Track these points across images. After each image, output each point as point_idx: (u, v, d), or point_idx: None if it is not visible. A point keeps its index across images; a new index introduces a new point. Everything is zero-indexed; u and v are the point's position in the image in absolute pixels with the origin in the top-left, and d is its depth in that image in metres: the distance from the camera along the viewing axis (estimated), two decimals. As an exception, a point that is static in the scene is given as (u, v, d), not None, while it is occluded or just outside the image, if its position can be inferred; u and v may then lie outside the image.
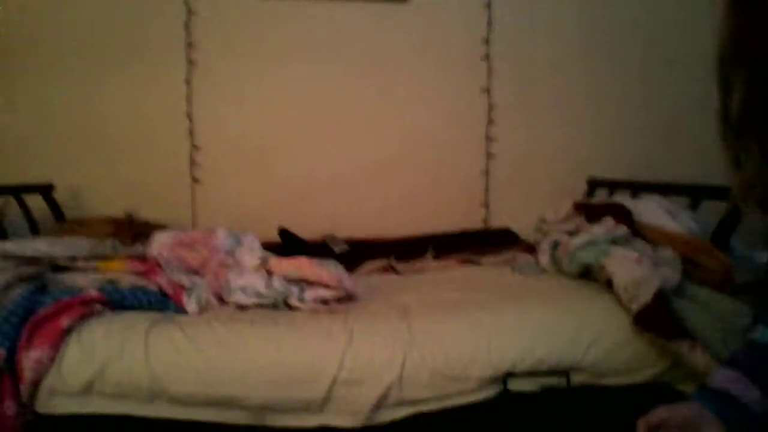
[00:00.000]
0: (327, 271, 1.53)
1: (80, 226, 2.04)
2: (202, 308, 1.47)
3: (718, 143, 0.60)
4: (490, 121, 2.58)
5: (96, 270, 1.54)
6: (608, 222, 1.74)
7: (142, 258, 1.61)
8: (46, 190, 2.20)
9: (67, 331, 1.27)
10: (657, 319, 1.30)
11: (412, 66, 2.54)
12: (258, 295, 1.50)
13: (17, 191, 2.04)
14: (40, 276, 1.47)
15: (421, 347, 1.30)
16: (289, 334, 1.32)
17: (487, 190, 2.62)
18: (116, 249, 1.75)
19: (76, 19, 2.36)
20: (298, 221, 2.36)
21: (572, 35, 2.59)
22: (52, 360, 1.23)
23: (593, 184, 2.46)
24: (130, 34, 2.39)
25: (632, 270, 1.41)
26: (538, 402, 1.32)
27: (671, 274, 1.45)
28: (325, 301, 1.51)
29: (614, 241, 1.64)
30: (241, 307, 1.50)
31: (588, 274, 1.67)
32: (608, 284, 1.48)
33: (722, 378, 0.65)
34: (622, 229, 1.68)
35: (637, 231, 1.73)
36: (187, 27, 2.40)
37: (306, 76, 2.49)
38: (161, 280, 1.52)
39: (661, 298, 1.33)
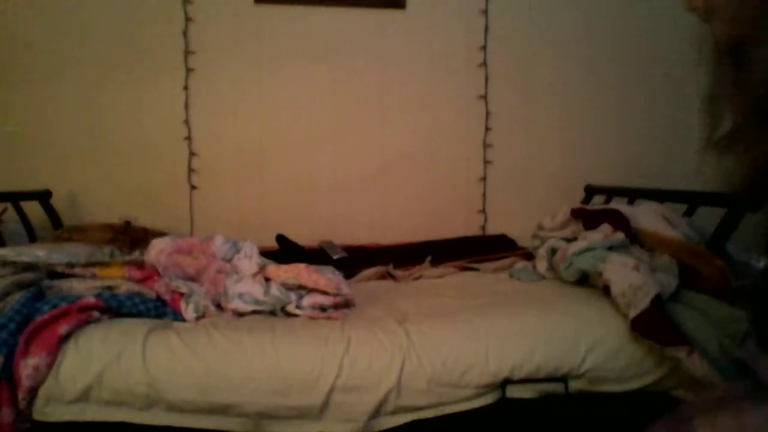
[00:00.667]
0: (325, 277, 1.54)
1: (78, 232, 2.03)
2: (200, 315, 1.47)
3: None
4: (488, 128, 2.59)
5: (94, 277, 1.54)
6: (605, 228, 1.75)
7: (140, 265, 1.60)
8: (43, 197, 2.20)
9: (65, 338, 1.27)
10: (654, 325, 1.31)
11: (409, 72, 2.55)
12: (256, 302, 1.50)
13: (15, 198, 2.04)
14: (38, 283, 1.47)
15: (419, 354, 1.30)
16: (287, 341, 1.31)
17: (484, 196, 2.63)
18: (114, 256, 1.75)
19: (73, 25, 2.36)
20: (295, 228, 2.37)
21: (570, 42, 2.61)
22: (49, 367, 1.23)
23: (590, 191, 2.47)
24: (127, 41, 2.40)
25: (629, 276, 1.42)
26: (536, 409, 1.33)
27: (668, 281, 1.45)
28: (323, 308, 1.51)
29: (611, 248, 1.64)
30: (239, 314, 1.50)
31: (585, 281, 1.68)
32: (606, 290, 1.48)
33: None
34: (620, 236, 1.69)
35: (635, 237, 1.74)
36: (185, 34, 2.41)
37: (304, 82, 2.50)
38: (159, 287, 1.52)
39: (659, 304, 1.34)
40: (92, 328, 1.31)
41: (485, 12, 2.54)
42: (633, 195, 2.16)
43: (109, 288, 1.48)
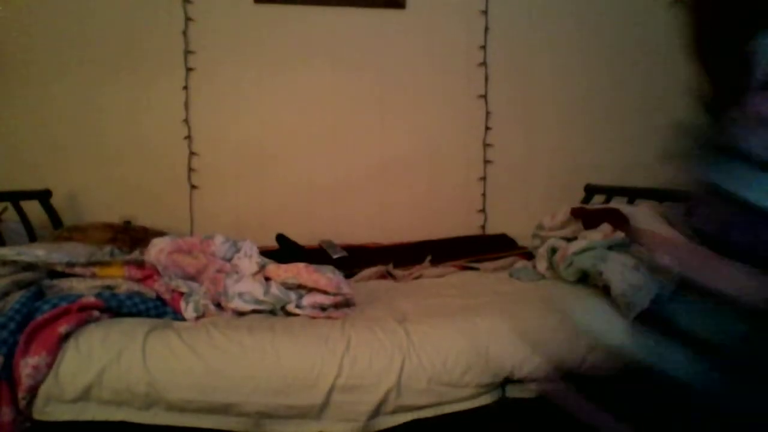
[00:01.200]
0: (325, 277, 1.53)
1: (78, 232, 2.03)
2: (200, 315, 1.47)
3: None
4: (488, 128, 2.60)
5: (94, 276, 1.54)
6: (605, 228, 1.75)
7: (140, 264, 1.60)
8: (44, 197, 2.20)
9: (65, 338, 1.27)
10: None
11: (409, 72, 2.55)
12: (256, 301, 1.50)
13: (15, 197, 2.05)
14: (38, 282, 1.47)
15: (419, 353, 1.30)
16: (287, 341, 1.31)
17: (484, 196, 2.63)
18: (114, 255, 1.75)
19: (74, 25, 2.37)
20: (295, 227, 2.37)
21: (569, 42, 2.61)
22: (49, 366, 1.23)
23: (590, 191, 2.47)
24: (128, 41, 2.40)
25: (629, 276, 1.42)
26: (536, 408, 1.33)
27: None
28: (323, 308, 1.51)
29: (611, 247, 1.64)
30: (239, 314, 1.50)
31: (585, 280, 1.68)
32: (605, 290, 1.48)
33: None
34: (620, 235, 1.69)
35: (634, 237, 1.74)
36: (185, 34, 2.41)
37: (304, 82, 2.50)
38: (159, 287, 1.52)
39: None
40: (92, 328, 1.31)
41: (485, 12, 2.54)
42: (633, 195, 2.16)
43: (109, 287, 1.48)
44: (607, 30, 2.62)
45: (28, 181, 2.25)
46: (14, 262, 1.50)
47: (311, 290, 1.54)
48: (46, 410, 1.22)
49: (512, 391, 1.32)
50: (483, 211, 2.63)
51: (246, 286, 1.53)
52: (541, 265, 1.93)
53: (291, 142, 2.52)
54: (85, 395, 1.23)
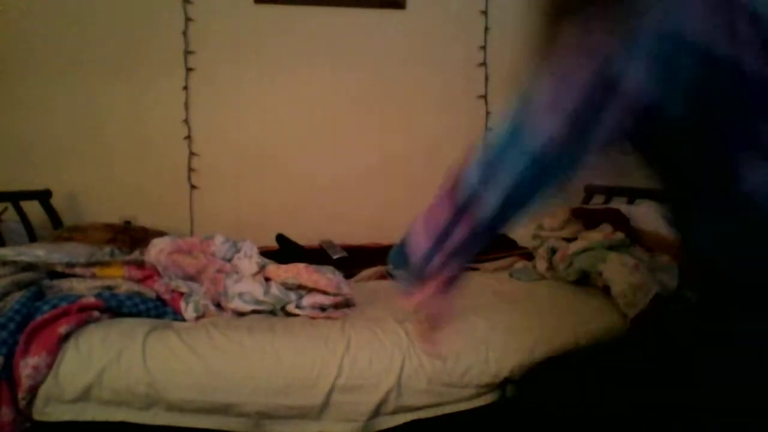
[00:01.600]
0: (325, 277, 1.53)
1: (78, 232, 2.03)
2: (200, 315, 1.47)
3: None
4: (488, 128, 2.59)
5: (94, 276, 1.53)
6: (606, 228, 1.75)
7: (140, 264, 1.60)
8: (44, 197, 2.20)
9: (65, 338, 1.27)
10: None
11: (409, 72, 2.55)
12: (256, 301, 1.50)
13: (15, 198, 2.05)
14: (38, 282, 1.47)
15: (419, 354, 1.30)
16: (287, 341, 1.31)
17: (484, 196, 2.62)
18: (114, 255, 1.75)
19: (74, 25, 2.37)
20: (295, 227, 2.37)
21: (569, 42, 2.61)
22: (49, 366, 1.23)
23: (590, 191, 2.46)
24: (128, 41, 2.40)
25: (629, 276, 1.42)
26: (535, 408, 1.32)
27: (668, 280, 1.46)
28: (323, 308, 1.51)
29: (611, 247, 1.64)
30: (239, 314, 1.50)
31: (585, 280, 1.68)
32: (605, 290, 1.48)
33: None
34: (620, 236, 1.69)
35: (635, 237, 1.74)
36: (185, 34, 2.41)
37: (304, 82, 2.50)
38: (159, 287, 1.52)
39: (658, 304, 1.34)
40: (92, 328, 1.31)
41: (485, 12, 2.54)
42: (633, 195, 2.16)
43: (109, 288, 1.48)
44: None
45: (28, 181, 2.25)
46: (14, 262, 1.49)
47: (311, 290, 1.54)
48: (46, 410, 1.22)
49: (512, 391, 1.32)
50: (483, 211, 2.62)
51: (246, 287, 1.53)
52: (541, 265, 1.93)
53: (291, 142, 2.52)
54: (85, 395, 1.23)
